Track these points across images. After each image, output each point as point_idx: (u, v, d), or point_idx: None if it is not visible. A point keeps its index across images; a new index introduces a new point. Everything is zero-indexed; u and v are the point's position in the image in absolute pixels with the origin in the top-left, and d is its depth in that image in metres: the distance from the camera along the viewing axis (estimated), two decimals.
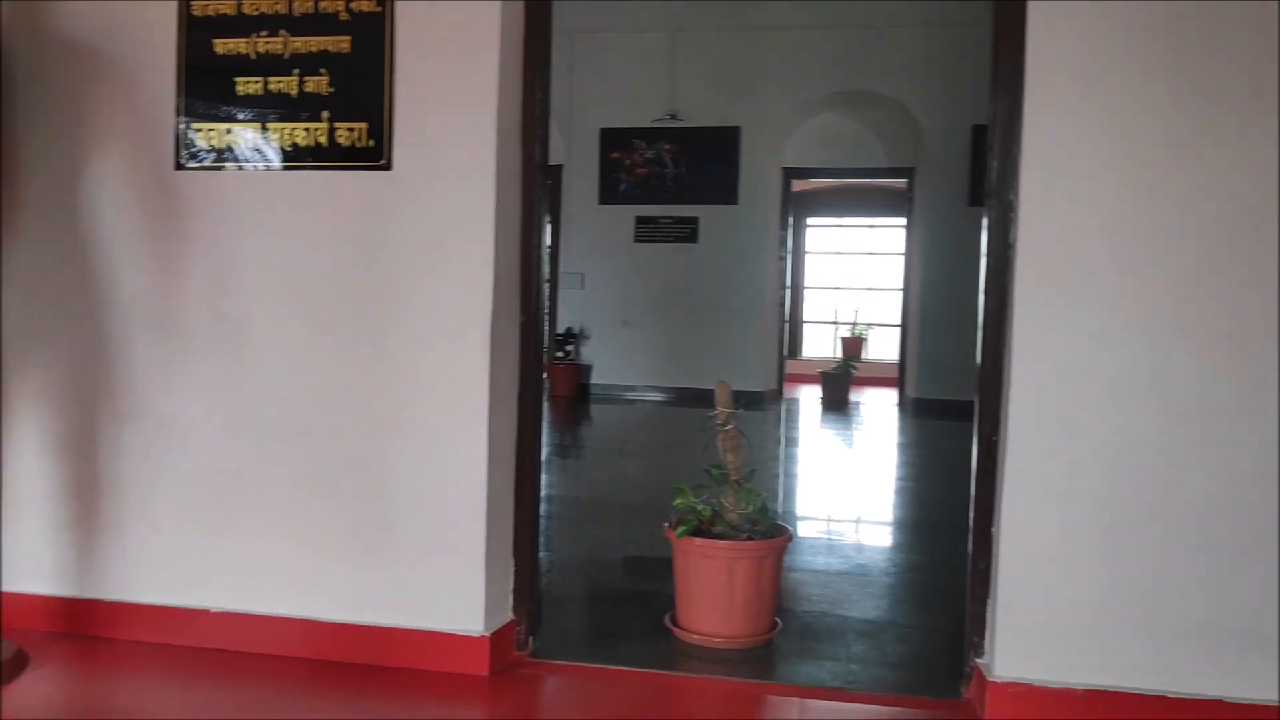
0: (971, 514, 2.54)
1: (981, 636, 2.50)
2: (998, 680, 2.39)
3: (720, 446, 3.03)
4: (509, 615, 2.76)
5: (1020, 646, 2.39)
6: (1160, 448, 2.32)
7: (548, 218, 2.84)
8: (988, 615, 2.47)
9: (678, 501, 3.02)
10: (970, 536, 2.55)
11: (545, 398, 8.53)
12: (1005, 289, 2.43)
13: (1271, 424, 2.27)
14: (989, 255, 2.48)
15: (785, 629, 3.03)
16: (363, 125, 2.66)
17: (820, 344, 13.24)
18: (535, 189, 2.75)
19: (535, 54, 2.72)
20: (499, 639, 2.68)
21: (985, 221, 2.50)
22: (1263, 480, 2.28)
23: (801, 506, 5.26)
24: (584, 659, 2.81)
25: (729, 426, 3.01)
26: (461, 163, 2.60)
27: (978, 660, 2.50)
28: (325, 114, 2.68)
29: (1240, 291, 2.28)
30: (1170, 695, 2.31)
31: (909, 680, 2.75)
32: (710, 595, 2.91)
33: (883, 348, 12.53)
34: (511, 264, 2.71)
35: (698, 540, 2.93)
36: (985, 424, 2.50)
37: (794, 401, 9.77)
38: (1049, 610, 2.37)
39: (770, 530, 3.01)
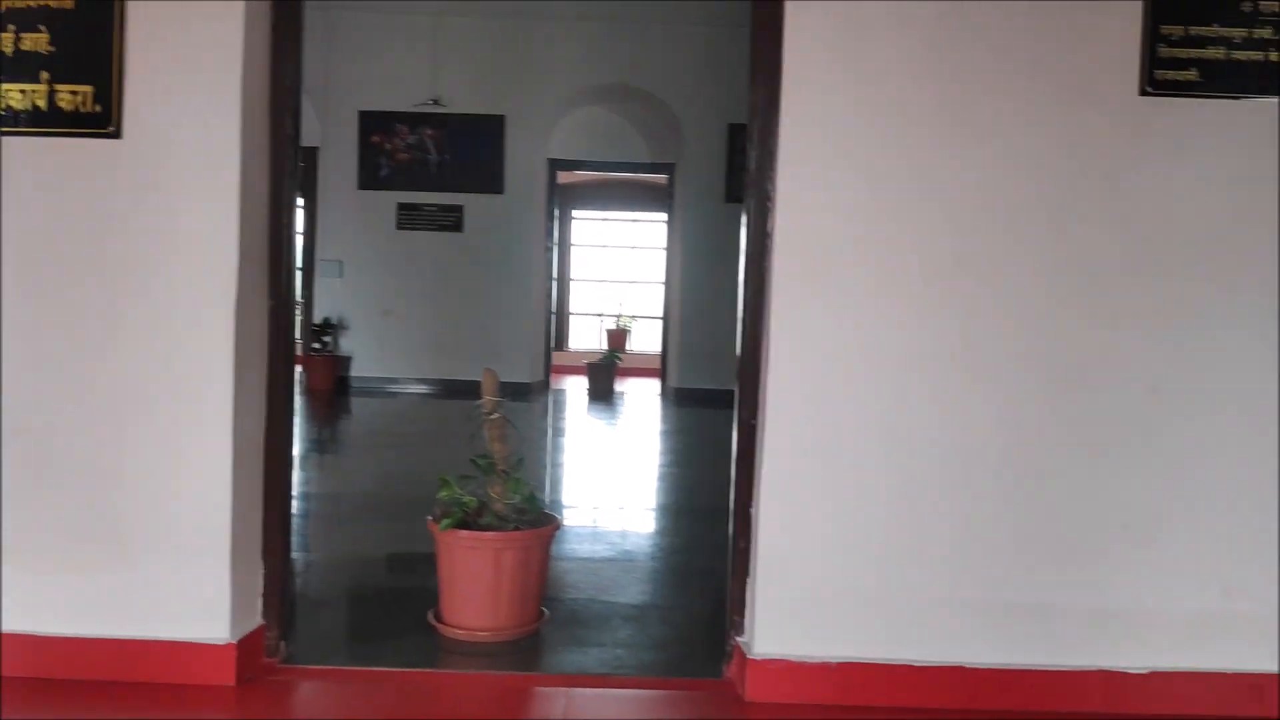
0: (732, 496, 2.60)
1: (742, 615, 2.57)
2: (757, 658, 2.46)
3: (487, 436, 2.96)
4: (258, 620, 2.59)
5: (778, 624, 2.47)
6: (909, 428, 2.45)
7: (300, 198, 2.67)
8: (747, 595, 2.54)
9: (442, 494, 2.93)
10: (731, 518, 2.61)
11: (301, 390, 8.17)
12: (763, 277, 2.50)
13: (1009, 399, 2.45)
14: (748, 244, 2.54)
15: (552, 618, 3.00)
16: (88, 89, 2.41)
17: (586, 336, 13.35)
18: (285, 164, 2.58)
19: (285, 19, 2.55)
20: (247, 646, 2.50)
21: (745, 212, 2.56)
22: (1000, 455, 2.45)
23: (568, 495, 5.26)
24: (342, 662, 2.68)
25: (495, 415, 2.95)
26: (202, 132, 2.40)
27: (738, 639, 2.56)
28: (44, 75, 2.41)
29: (984, 277, 2.44)
30: (918, 664, 2.45)
31: (674, 662, 2.79)
32: (476, 588, 2.84)
33: (647, 339, 12.78)
34: (259, 244, 2.53)
35: (463, 533, 2.85)
36: (744, 408, 2.57)
37: (561, 392, 9.79)
38: (805, 588, 2.46)
39: (538, 519, 2.98)
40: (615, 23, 8.51)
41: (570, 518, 4.50)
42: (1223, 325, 2.44)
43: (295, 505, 3.15)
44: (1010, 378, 2.45)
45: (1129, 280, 2.44)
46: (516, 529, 2.89)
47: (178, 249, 2.42)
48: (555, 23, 8.51)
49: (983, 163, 2.43)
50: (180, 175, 2.41)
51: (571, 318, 13.48)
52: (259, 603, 2.59)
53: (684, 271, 9.12)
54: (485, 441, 2.95)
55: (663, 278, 9.76)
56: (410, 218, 8.80)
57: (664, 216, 10.02)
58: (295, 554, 2.78)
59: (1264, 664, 2.44)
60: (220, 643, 2.44)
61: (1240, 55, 2.42)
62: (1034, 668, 2.45)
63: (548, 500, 4.68)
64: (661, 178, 9.94)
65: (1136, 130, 2.41)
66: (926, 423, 2.45)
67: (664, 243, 9.92)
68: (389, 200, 8.78)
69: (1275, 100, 2.40)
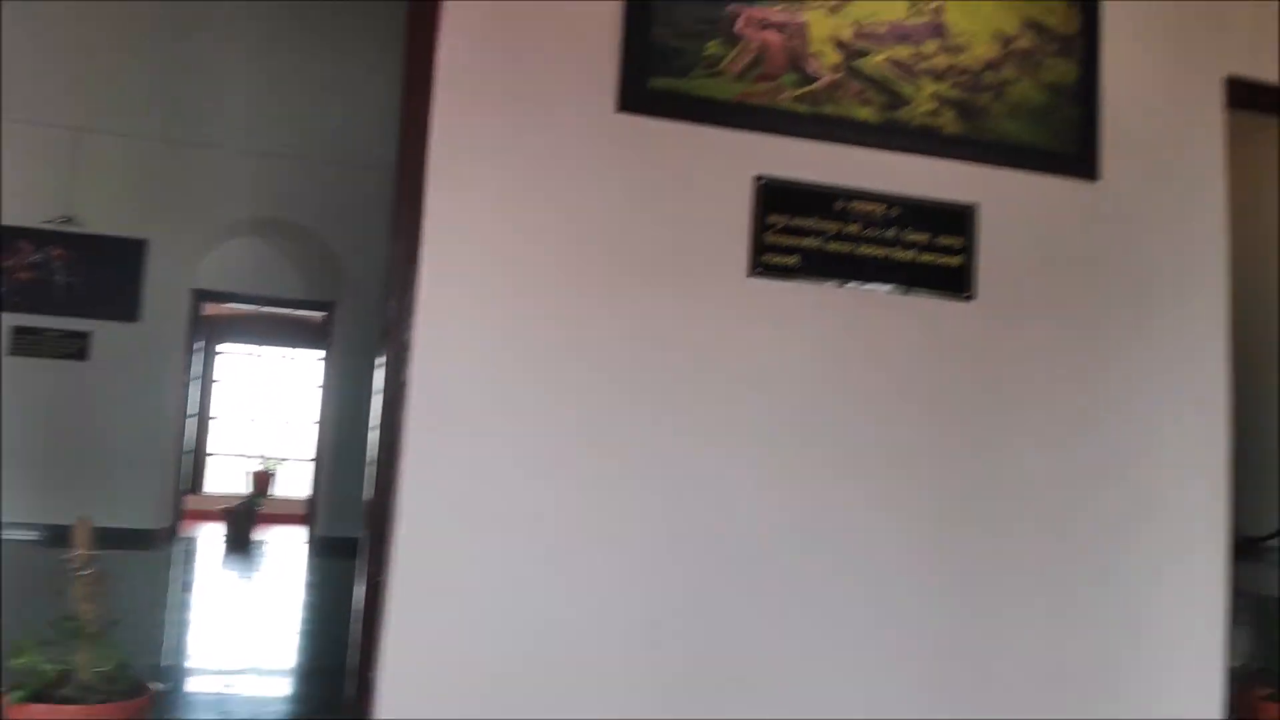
0: (353, 659, 2.46)
1: None
2: None
3: (76, 594, 2.63)
4: None
5: None
6: (545, 588, 2.45)
7: None
8: None
9: (18, 661, 2.55)
10: (351, 682, 2.46)
11: None
12: (397, 427, 2.45)
13: (641, 556, 2.51)
14: (384, 392, 2.49)
15: None
16: None
17: (228, 479, 12.44)
18: None
19: None
20: None
21: (382, 359, 2.52)
22: (633, 613, 2.50)
23: (189, 658, 4.76)
24: None
25: (88, 571, 2.64)
26: None
27: None
28: None
29: (619, 434, 2.53)
30: None
31: None
32: None
33: (296, 483, 12.12)
34: None
35: (37, 706, 2.48)
36: (372, 563, 2.46)
37: (192, 541, 9.00)
38: None
39: (131, 690, 2.65)
40: (274, 157, 8.32)
41: (192, 684, 4.06)
42: (827, 484, 2.67)
43: None
44: (642, 535, 2.53)
45: (740, 444, 2.62)
46: (105, 701, 2.56)
47: None
48: (211, 151, 8.18)
49: (616, 326, 2.56)
50: None
51: (212, 458, 12.54)
52: None
53: (339, 412, 8.82)
54: (73, 601, 2.62)
55: (316, 418, 9.38)
56: (28, 343, 7.91)
57: (321, 354, 9.72)
58: None
59: None
60: None
61: (832, 246, 2.73)
62: None
63: (162, 664, 4.21)
64: (319, 315, 9.67)
65: (745, 306, 2.65)
66: (561, 582, 2.47)
67: (320, 381, 9.58)
68: (3, 323, 7.86)
69: (864, 285, 2.73)
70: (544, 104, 2.54)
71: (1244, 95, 3.10)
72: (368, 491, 2.50)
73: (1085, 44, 2.89)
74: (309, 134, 8.26)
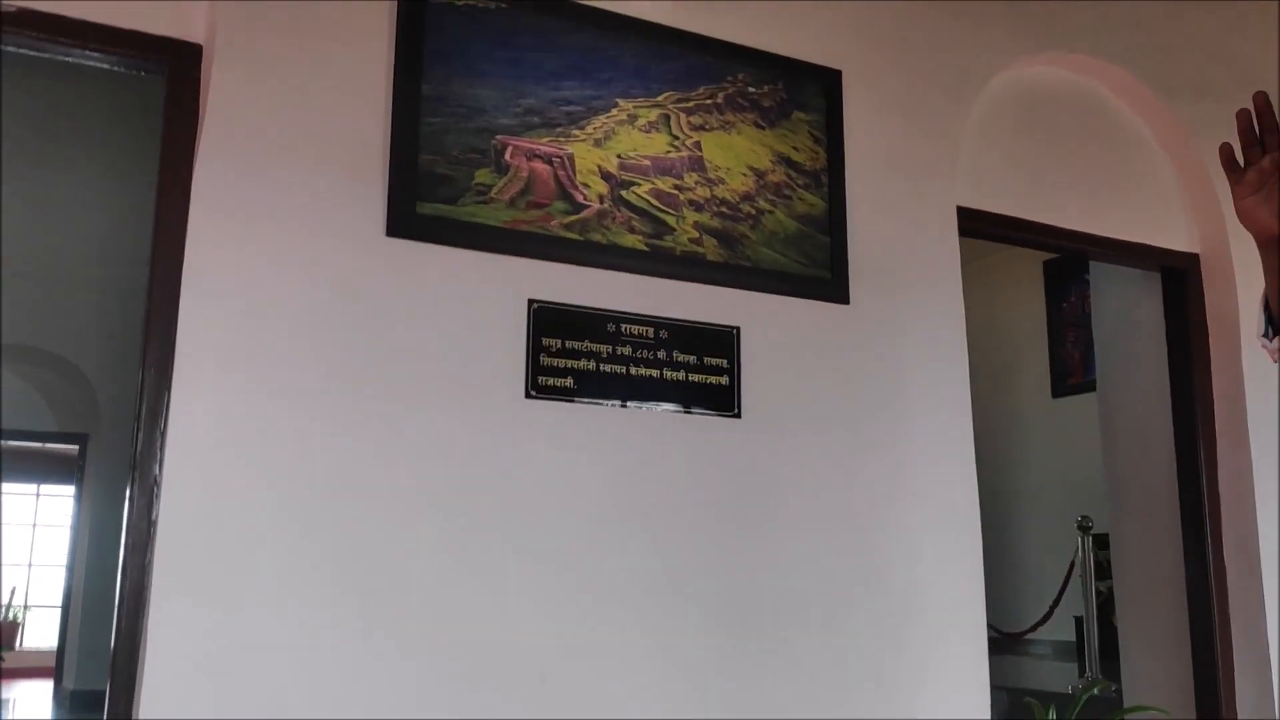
0: None
1: None
2: None
3: None
4: None
5: None
6: None
7: None
8: None
9: None
10: None
11: None
12: (145, 569, 2.27)
13: (415, 689, 2.39)
14: (129, 532, 2.31)
15: None
16: None
17: None
18: None
19: None
20: None
21: (128, 496, 2.35)
22: None
23: None
24: None
25: None
26: None
27: None
28: None
29: (383, 569, 2.43)
30: None
31: None
32: None
33: (42, 633, 10.95)
34: None
35: None
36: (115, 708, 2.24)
37: None
38: None
39: None
40: (21, 279, 7.73)
41: None
42: (605, 605, 2.65)
43: None
44: (410, 673, 2.42)
45: (520, 565, 2.58)
46: None
47: None
48: None
49: (384, 455, 2.49)
50: None
51: None
52: None
53: (92, 554, 8.09)
54: None
55: (65, 561, 8.58)
56: None
57: (72, 490, 8.95)
58: None
59: None
60: None
61: (607, 368, 2.79)
62: None
63: None
64: (72, 448, 8.93)
65: (524, 428, 2.64)
66: None
67: (70, 521, 8.80)
68: None
69: (639, 405, 2.78)
70: (309, 228, 2.49)
71: (973, 223, 3.43)
72: (113, 640, 2.29)
73: (831, 179, 3.13)
74: (60, 255, 7.74)
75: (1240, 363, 3.74)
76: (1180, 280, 3.88)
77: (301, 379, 2.43)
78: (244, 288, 2.41)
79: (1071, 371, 6.70)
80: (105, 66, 2.55)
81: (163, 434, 2.31)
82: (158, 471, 2.30)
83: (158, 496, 2.29)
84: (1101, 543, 4.96)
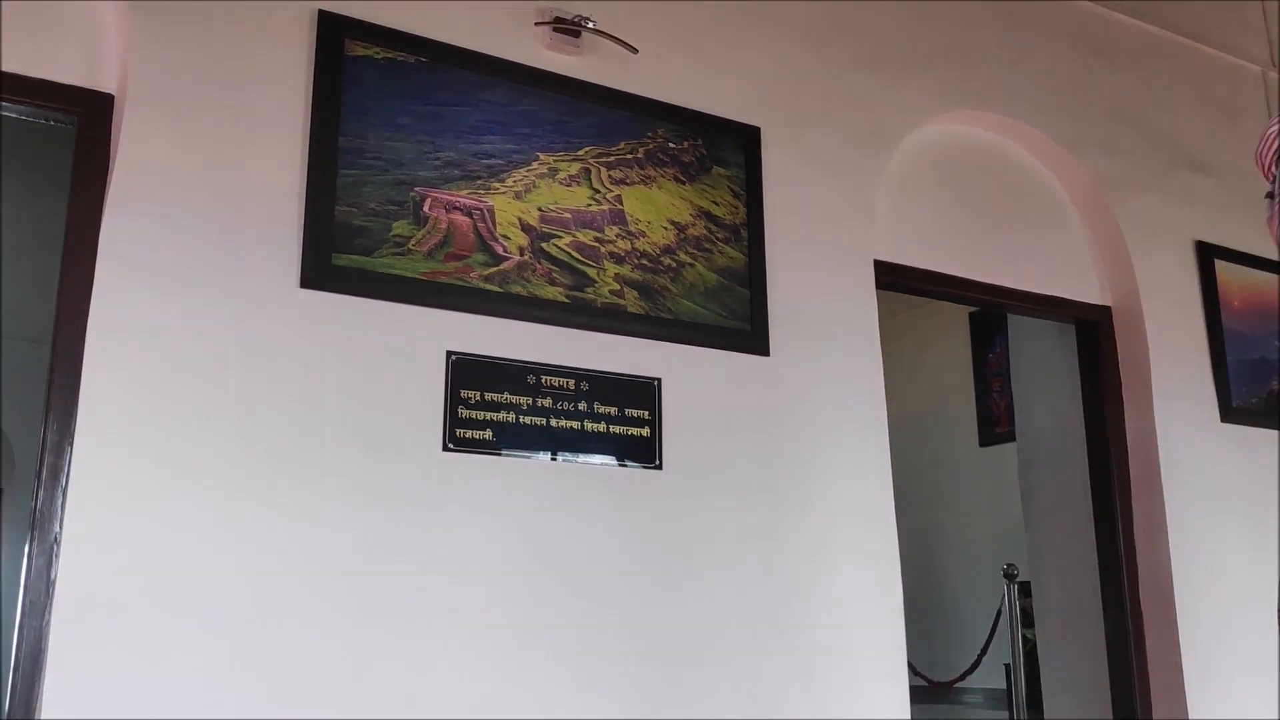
0: None
1: None
2: None
3: None
4: None
5: None
6: None
7: None
8: None
9: None
10: None
11: None
12: (43, 632, 2.19)
13: None
14: (27, 592, 2.24)
15: None
16: None
17: None
18: None
19: None
20: None
21: (26, 554, 2.27)
22: None
23: None
24: None
25: None
26: None
27: None
28: None
29: (293, 628, 2.37)
30: None
31: None
32: None
33: None
34: None
35: None
36: None
37: None
38: None
39: None
40: None
41: None
42: (522, 664, 2.61)
43: None
44: None
45: (436, 625, 2.53)
46: None
47: None
48: None
49: (294, 513, 2.44)
50: None
51: None
52: None
53: (8, 611, 7.80)
54: None
55: None
56: None
57: None
58: None
59: None
60: None
61: (527, 420, 2.77)
62: None
63: None
64: None
65: (440, 481, 2.61)
66: None
67: None
68: None
69: (559, 457, 2.77)
70: (222, 281, 2.46)
71: (892, 276, 3.50)
72: (8, 705, 2.20)
73: (751, 233, 3.17)
74: None
75: (1152, 411, 3.85)
76: (1093, 332, 3.99)
77: (209, 436, 2.37)
78: (152, 342, 2.36)
79: (998, 421, 6.81)
80: (14, 115, 2.51)
81: (64, 491, 2.24)
82: (58, 529, 2.23)
83: (57, 555, 2.22)
84: (1027, 590, 5.02)
